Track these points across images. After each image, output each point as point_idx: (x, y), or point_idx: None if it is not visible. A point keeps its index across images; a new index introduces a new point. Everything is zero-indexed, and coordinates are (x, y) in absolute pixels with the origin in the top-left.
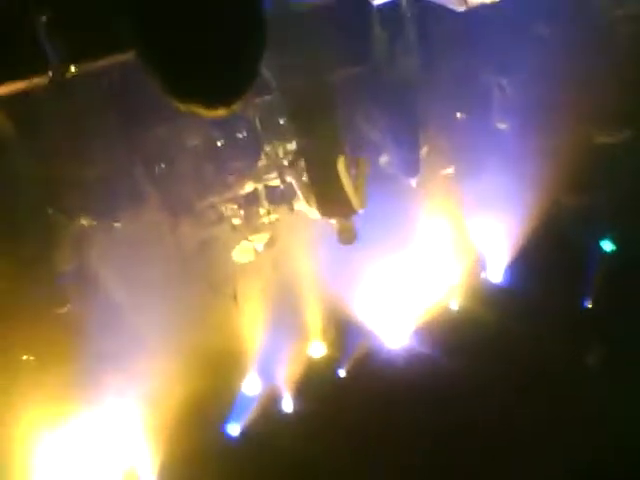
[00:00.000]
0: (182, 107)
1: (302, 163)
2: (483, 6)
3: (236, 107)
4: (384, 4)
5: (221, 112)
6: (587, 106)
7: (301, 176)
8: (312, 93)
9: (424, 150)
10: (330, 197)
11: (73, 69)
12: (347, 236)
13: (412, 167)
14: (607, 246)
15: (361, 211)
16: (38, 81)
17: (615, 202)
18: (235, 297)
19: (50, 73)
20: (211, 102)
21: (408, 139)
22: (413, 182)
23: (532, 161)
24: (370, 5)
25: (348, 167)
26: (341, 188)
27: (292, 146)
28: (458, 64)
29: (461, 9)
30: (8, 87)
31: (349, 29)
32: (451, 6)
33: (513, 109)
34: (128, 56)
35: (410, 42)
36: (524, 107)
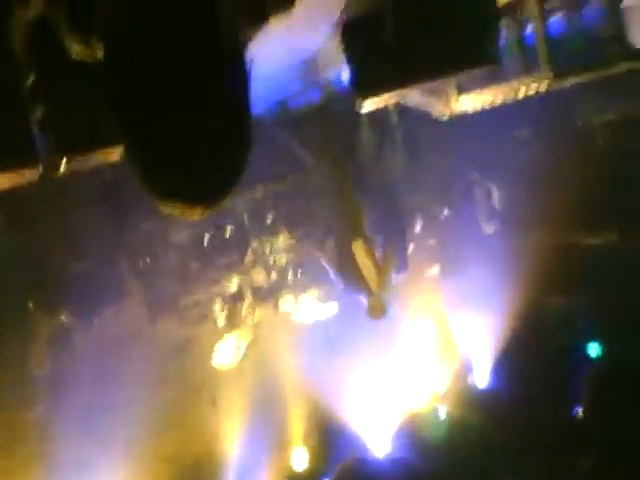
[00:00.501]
0: (163, 207)
1: (331, 242)
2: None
3: (216, 209)
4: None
5: (200, 214)
6: (572, 208)
7: (330, 254)
8: (334, 177)
9: (410, 247)
10: (351, 275)
11: (64, 165)
12: (374, 312)
13: (400, 264)
14: (593, 351)
15: (382, 292)
16: (29, 175)
17: (601, 304)
18: (214, 400)
19: (41, 168)
20: (190, 202)
21: (395, 236)
22: (400, 279)
23: (517, 260)
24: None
25: (368, 250)
26: (359, 268)
27: (279, 243)
28: (442, 165)
29: (445, 117)
30: None
31: (338, 130)
32: (435, 114)
33: (498, 209)
34: (120, 154)
35: (396, 143)
36: (508, 207)
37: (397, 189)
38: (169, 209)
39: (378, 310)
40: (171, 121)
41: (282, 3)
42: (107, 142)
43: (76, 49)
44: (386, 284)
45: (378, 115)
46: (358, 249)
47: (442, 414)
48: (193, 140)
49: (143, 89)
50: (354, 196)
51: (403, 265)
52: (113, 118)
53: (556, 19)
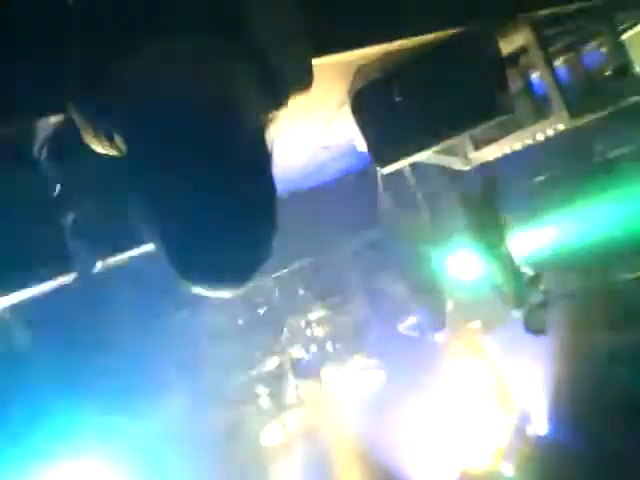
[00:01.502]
0: (190, 288)
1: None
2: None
3: (244, 287)
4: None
5: (227, 294)
6: (602, 242)
7: None
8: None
9: (449, 305)
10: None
11: (99, 265)
12: (535, 324)
13: (438, 322)
14: None
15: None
16: (63, 280)
17: None
18: None
19: (76, 273)
20: (216, 284)
21: (431, 295)
22: (440, 337)
23: (557, 303)
24: (376, 172)
25: None
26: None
27: (313, 316)
28: None
29: (466, 168)
30: (31, 290)
31: (358, 196)
32: (456, 166)
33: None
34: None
35: (417, 204)
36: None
37: (426, 249)
38: (197, 290)
39: (539, 321)
40: (195, 207)
41: (300, 85)
42: (139, 238)
43: (100, 149)
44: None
45: (394, 180)
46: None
47: (507, 472)
48: (218, 223)
49: (165, 176)
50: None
51: (440, 323)
52: (138, 210)
53: (558, 65)
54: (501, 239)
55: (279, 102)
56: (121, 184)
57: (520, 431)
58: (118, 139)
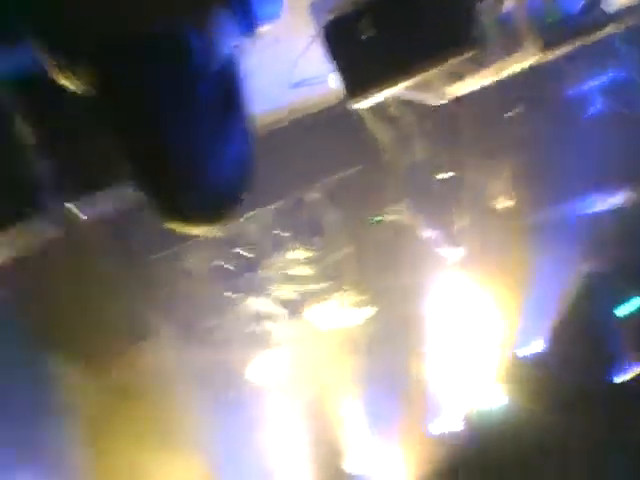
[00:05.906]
0: (169, 223)
1: None
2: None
3: (220, 226)
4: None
5: (203, 230)
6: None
7: None
8: None
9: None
10: None
11: (78, 214)
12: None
13: (453, 239)
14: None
15: None
16: (49, 234)
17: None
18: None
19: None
20: (192, 218)
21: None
22: (455, 255)
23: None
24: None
25: None
26: None
27: (292, 255)
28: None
29: (441, 102)
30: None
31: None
32: (430, 102)
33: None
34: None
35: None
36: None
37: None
38: (176, 226)
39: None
40: (167, 142)
41: (269, 12)
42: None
43: (66, 83)
44: None
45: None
46: None
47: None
48: (192, 156)
49: (136, 110)
50: None
51: (456, 240)
52: (118, 148)
53: None
54: None
55: (249, 30)
56: (92, 124)
57: (503, 355)
58: (83, 72)
